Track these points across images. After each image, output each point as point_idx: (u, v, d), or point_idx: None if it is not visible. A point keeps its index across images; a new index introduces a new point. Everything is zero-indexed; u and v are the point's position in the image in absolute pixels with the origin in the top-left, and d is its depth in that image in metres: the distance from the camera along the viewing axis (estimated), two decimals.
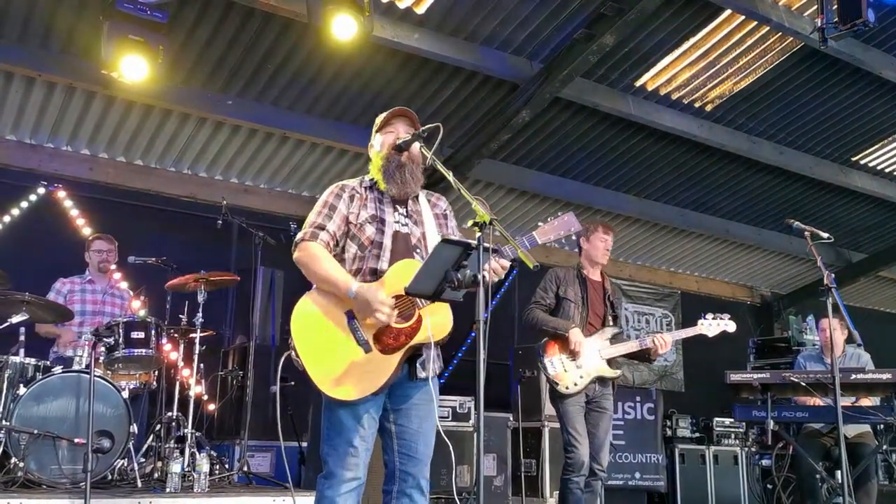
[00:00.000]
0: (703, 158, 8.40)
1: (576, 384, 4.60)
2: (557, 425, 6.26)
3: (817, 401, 5.19)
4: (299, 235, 2.90)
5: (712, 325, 4.75)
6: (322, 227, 2.88)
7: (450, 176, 2.75)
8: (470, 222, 2.55)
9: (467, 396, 6.59)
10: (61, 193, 6.94)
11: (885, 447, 5.59)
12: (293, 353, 2.78)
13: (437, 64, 6.63)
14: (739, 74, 7.18)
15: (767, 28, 6.53)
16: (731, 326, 4.76)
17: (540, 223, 3.03)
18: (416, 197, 3.04)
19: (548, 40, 6.57)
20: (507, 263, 2.83)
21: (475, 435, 6.55)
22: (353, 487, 2.77)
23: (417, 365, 2.86)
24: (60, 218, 6.89)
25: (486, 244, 2.53)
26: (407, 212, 2.99)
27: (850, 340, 4.85)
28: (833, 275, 4.08)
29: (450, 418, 6.41)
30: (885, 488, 6.03)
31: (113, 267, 5.90)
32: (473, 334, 8.36)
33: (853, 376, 4.72)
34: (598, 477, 4.61)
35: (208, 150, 7.41)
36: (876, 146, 8.45)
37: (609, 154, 8.23)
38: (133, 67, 5.18)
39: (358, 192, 2.97)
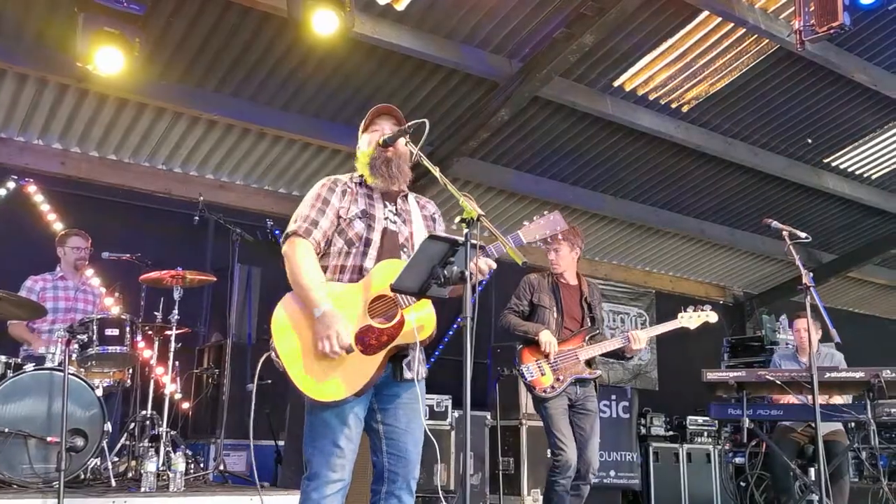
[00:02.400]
0: (680, 159, 8.47)
1: (553, 387, 4.60)
2: (535, 424, 6.30)
3: (791, 399, 5.26)
4: (292, 227, 2.85)
5: (693, 318, 4.75)
6: (316, 223, 2.84)
7: (436, 171, 2.74)
8: (457, 218, 2.53)
9: (445, 395, 6.59)
10: (32, 188, 6.80)
11: (857, 445, 5.67)
12: (273, 354, 2.74)
13: (417, 61, 6.61)
14: (716, 76, 7.24)
15: (744, 30, 6.60)
16: (712, 317, 4.77)
17: (525, 222, 3.02)
18: (406, 197, 3.02)
19: (527, 39, 6.57)
20: (493, 264, 2.82)
21: (452, 433, 6.55)
22: (339, 489, 2.73)
23: (403, 365, 2.84)
24: (31, 213, 6.75)
25: (473, 241, 2.51)
26: (396, 210, 2.97)
27: (826, 339, 4.90)
28: (811, 273, 4.12)
29: (427, 417, 6.39)
30: (856, 485, 6.12)
31: (86, 264, 5.80)
32: (451, 333, 8.43)
33: (828, 375, 4.78)
34: (588, 481, 4.60)
35: (184, 145, 7.32)
36: (848, 148, 8.58)
37: (586, 154, 8.26)
38: (108, 60, 5.11)
39: (349, 187, 2.95)
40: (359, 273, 2.82)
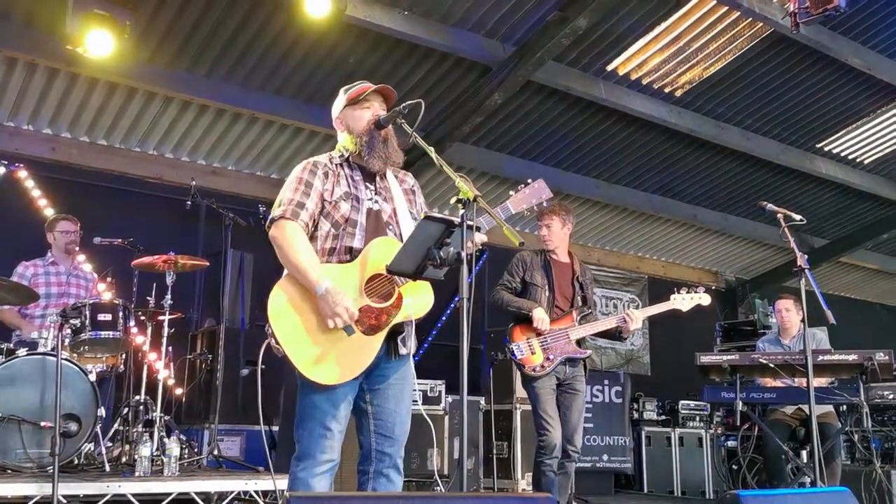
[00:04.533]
0: (672, 144, 8.47)
1: (543, 366, 4.60)
2: (529, 408, 6.30)
3: (777, 382, 5.28)
4: (277, 212, 2.80)
5: (686, 300, 4.74)
6: (302, 206, 2.80)
7: (432, 153, 2.72)
8: (453, 199, 2.51)
9: (438, 380, 6.60)
10: (22, 173, 6.74)
11: (848, 428, 5.70)
12: (273, 340, 2.71)
13: (410, 45, 6.57)
14: (709, 60, 7.23)
15: (738, 13, 6.58)
16: (705, 300, 4.75)
17: (511, 192, 3.02)
18: (384, 174, 2.99)
19: (521, 23, 6.54)
20: (484, 238, 2.82)
21: (446, 418, 6.56)
22: (328, 469, 2.74)
23: (398, 342, 2.84)
24: (22, 199, 6.70)
25: (469, 222, 2.50)
26: (377, 188, 2.95)
27: (814, 323, 4.91)
28: (806, 256, 4.12)
29: (421, 402, 6.41)
30: (848, 468, 6.16)
31: (77, 248, 5.77)
32: (444, 318, 8.44)
33: (821, 357, 4.79)
34: (572, 458, 4.63)
35: (175, 130, 7.27)
36: (840, 133, 8.58)
37: (579, 139, 8.25)
38: (98, 42, 5.08)
39: (330, 168, 2.90)
40: (348, 254, 2.80)
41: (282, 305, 2.72)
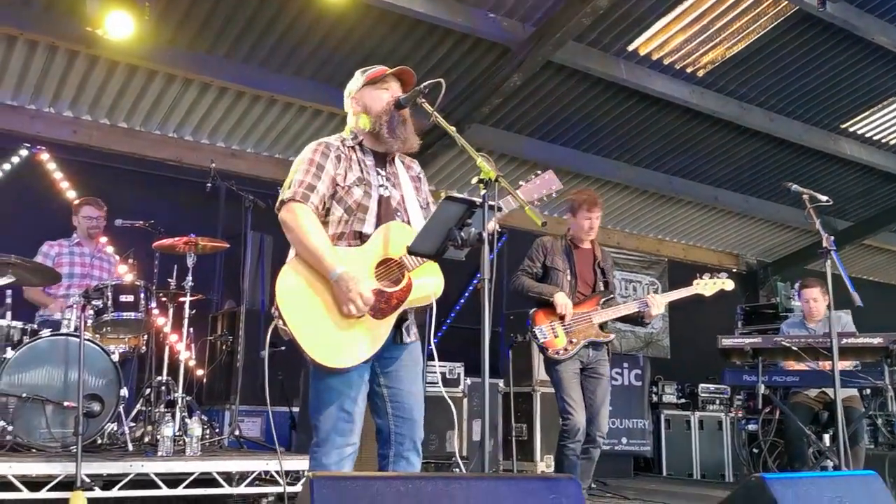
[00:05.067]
0: (694, 125, 8.37)
1: (566, 349, 4.58)
2: (548, 390, 6.30)
3: (801, 365, 5.23)
4: (287, 193, 2.76)
5: (709, 285, 4.70)
6: (313, 188, 2.76)
7: (454, 132, 2.69)
8: (475, 179, 2.49)
9: (457, 362, 6.60)
10: (44, 156, 6.80)
11: (872, 411, 5.65)
12: (280, 322, 2.68)
13: (429, 26, 6.53)
14: (732, 39, 7.12)
15: None
16: (728, 285, 4.72)
17: (521, 182, 2.99)
18: (393, 159, 2.97)
19: (541, 2, 6.47)
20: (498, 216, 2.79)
21: (465, 400, 6.57)
22: (348, 454, 2.73)
23: (403, 329, 2.83)
24: (44, 181, 6.76)
25: (491, 202, 2.48)
26: (386, 174, 2.92)
27: (839, 305, 4.85)
28: (832, 237, 4.06)
29: (439, 384, 6.41)
30: (872, 452, 6.11)
31: (99, 232, 5.81)
32: (462, 301, 8.44)
33: (845, 340, 4.74)
34: (597, 444, 4.60)
35: (194, 112, 7.28)
36: (865, 113, 8.45)
37: (599, 120, 8.18)
38: (118, 24, 5.09)
39: (342, 151, 2.87)
40: (358, 238, 2.78)
41: (290, 288, 2.69)
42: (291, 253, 2.78)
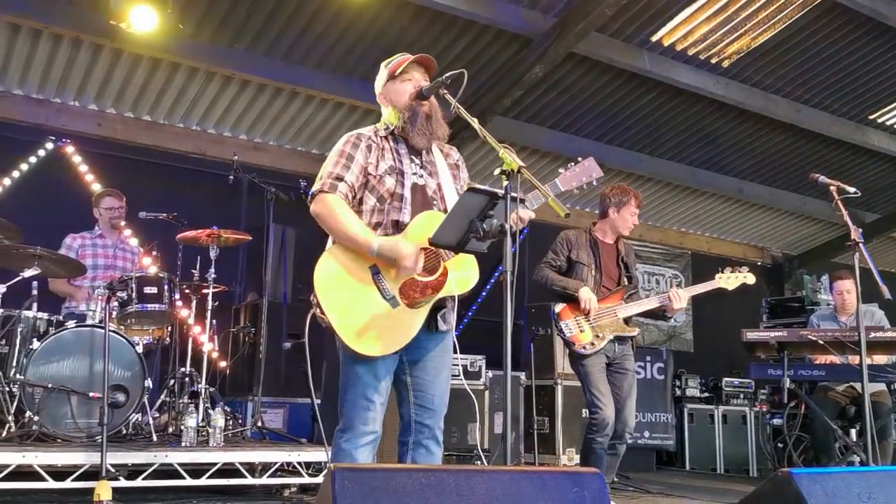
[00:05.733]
0: (719, 116, 8.28)
1: (593, 343, 4.56)
2: (570, 383, 6.28)
3: (831, 359, 5.17)
4: (317, 186, 2.80)
5: (731, 279, 4.67)
6: (340, 178, 2.78)
7: (475, 123, 2.67)
8: (497, 170, 2.47)
9: (479, 355, 6.59)
10: (69, 149, 6.87)
11: None
12: (318, 310, 2.71)
13: (450, 17, 6.50)
14: (758, 29, 7.02)
15: None
16: (750, 279, 4.69)
17: (561, 170, 2.99)
18: (430, 148, 2.96)
19: None
20: (531, 215, 2.78)
21: (486, 393, 6.56)
22: (370, 441, 2.76)
23: (438, 318, 2.83)
24: (69, 173, 6.83)
25: (513, 193, 2.46)
26: (422, 163, 2.92)
27: (869, 298, 4.79)
28: (861, 230, 3.99)
29: (461, 376, 6.41)
30: None
31: (123, 223, 5.85)
32: (484, 294, 8.41)
33: (873, 334, 4.67)
34: (624, 440, 4.58)
35: (217, 105, 7.32)
36: (894, 104, 8.31)
37: (622, 112, 8.11)
38: (142, 18, 5.12)
39: (374, 141, 2.88)
40: (395, 228, 2.79)
41: (328, 276, 2.72)
42: (329, 242, 2.81)
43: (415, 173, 2.88)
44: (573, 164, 2.98)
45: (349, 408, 2.76)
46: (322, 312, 2.68)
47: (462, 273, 2.78)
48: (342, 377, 2.80)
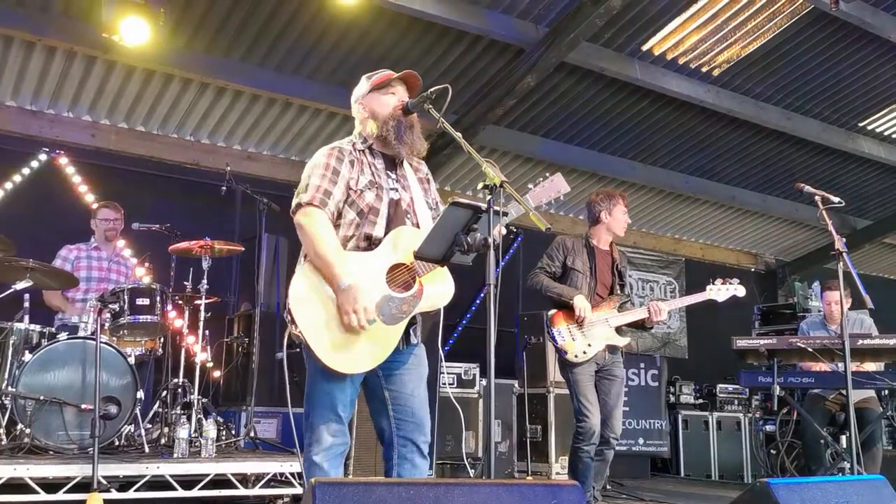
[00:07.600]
0: (710, 124, 8.33)
1: (584, 352, 4.57)
2: (563, 391, 6.28)
3: (822, 366, 5.20)
4: (305, 197, 2.77)
5: (721, 291, 4.69)
6: (329, 194, 2.78)
7: (459, 138, 2.71)
8: (480, 185, 2.51)
9: (472, 363, 6.61)
10: (63, 160, 6.89)
11: (890, 413, 5.58)
12: (293, 327, 2.70)
13: (442, 28, 6.54)
14: (747, 38, 7.07)
15: None
16: (740, 291, 4.70)
17: (530, 186, 3.00)
18: (401, 162, 2.98)
19: (554, 3, 6.47)
20: (503, 231, 2.81)
21: (480, 401, 6.58)
22: (340, 451, 2.79)
23: (410, 332, 2.84)
24: (63, 185, 6.84)
25: (496, 207, 2.49)
26: (397, 177, 2.94)
27: (857, 306, 4.82)
28: (844, 239, 4.03)
29: (455, 385, 6.43)
30: (889, 453, 6.05)
31: (117, 235, 5.87)
32: (478, 302, 8.44)
33: (861, 342, 4.70)
34: (611, 445, 4.59)
35: (210, 116, 7.35)
36: (884, 111, 8.37)
37: (615, 120, 8.16)
38: (133, 30, 5.14)
39: (354, 156, 2.89)
40: (367, 241, 2.79)
41: (303, 292, 2.71)
42: (301, 257, 2.80)
43: (392, 188, 2.89)
44: (541, 180, 2.99)
45: (318, 422, 2.76)
46: (297, 329, 2.68)
47: (438, 287, 2.80)
48: (310, 391, 2.80)
